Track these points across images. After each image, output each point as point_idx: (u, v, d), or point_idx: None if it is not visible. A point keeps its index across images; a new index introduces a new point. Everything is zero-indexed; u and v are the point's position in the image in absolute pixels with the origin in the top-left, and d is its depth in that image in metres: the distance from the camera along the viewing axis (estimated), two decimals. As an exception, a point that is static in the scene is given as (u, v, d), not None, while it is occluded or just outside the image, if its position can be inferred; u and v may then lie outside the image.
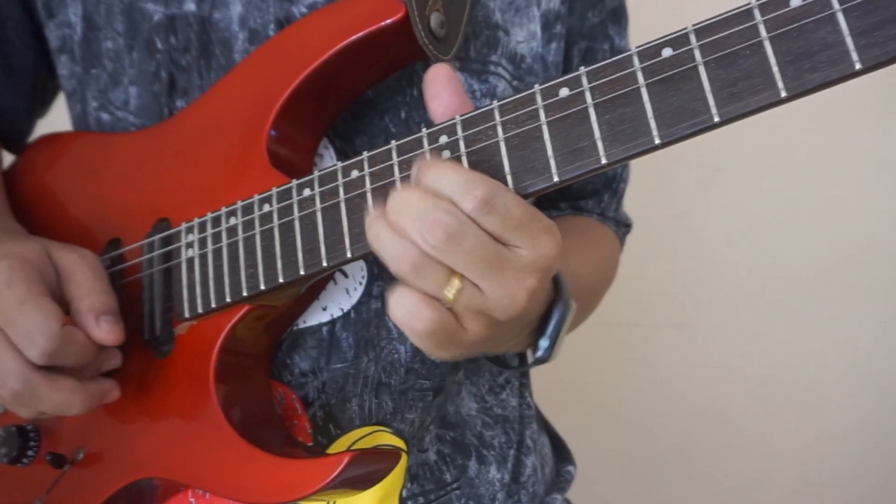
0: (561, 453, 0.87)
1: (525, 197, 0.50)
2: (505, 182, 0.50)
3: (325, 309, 0.67)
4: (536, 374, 0.84)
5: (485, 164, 0.51)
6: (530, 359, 0.63)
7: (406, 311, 0.49)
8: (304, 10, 0.66)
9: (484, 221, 0.48)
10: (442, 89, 0.53)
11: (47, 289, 0.62)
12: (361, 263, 0.67)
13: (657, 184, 1.26)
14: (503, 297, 0.49)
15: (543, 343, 0.61)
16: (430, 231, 0.47)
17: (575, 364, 1.43)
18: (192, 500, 0.67)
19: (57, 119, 0.84)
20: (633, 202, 0.90)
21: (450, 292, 0.49)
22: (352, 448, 0.67)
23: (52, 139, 0.78)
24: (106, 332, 0.62)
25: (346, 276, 0.67)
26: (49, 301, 0.60)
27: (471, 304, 0.50)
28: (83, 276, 0.64)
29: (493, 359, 0.67)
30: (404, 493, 0.70)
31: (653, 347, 1.61)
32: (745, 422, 1.58)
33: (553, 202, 0.85)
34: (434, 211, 0.47)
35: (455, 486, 0.73)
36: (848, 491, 1.57)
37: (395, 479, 0.69)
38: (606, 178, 0.86)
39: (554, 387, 1.03)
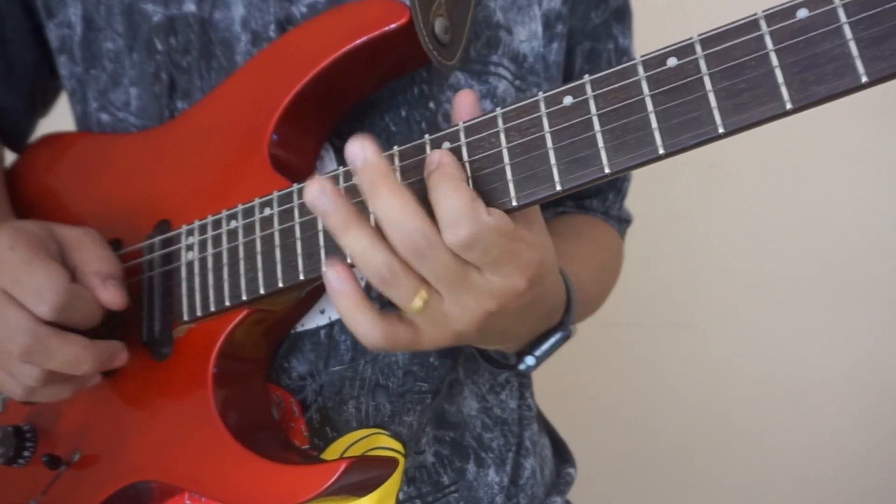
0: (561, 454, 0.87)
1: (527, 206, 0.50)
2: (507, 190, 0.50)
3: (323, 312, 0.67)
4: (537, 374, 0.84)
5: (487, 171, 0.51)
6: (511, 363, 0.65)
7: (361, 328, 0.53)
8: (303, 9, 0.66)
9: (462, 255, 0.49)
10: (465, 116, 0.54)
11: (51, 255, 0.62)
12: None
13: (657, 184, 1.25)
14: (461, 312, 0.52)
15: (529, 360, 0.63)
16: (403, 244, 0.49)
17: (575, 364, 1.43)
18: (188, 503, 0.67)
19: (60, 118, 0.83)
20: (633, 202, 0.90)
21: (415, 307, 0.51)
22: (347, 451, 0.67)
23: (54, 139, 0.78)
24: (111, 293, 0.62)
25: None
26: (54, 262, 0.61)
27: (430, 316, 0.52)
28: (89, 245, 0.65)
29: (486, 357, 0.68)
30: (401, 496, 0.69)
31: (653, 347, 1.60)
32: (745, 422, 1.58)
33: (558, 200, 0.85)
34: (410, 229, 0.49)
35: (453, 488, 0.73)
36: (848, 491, 1.57)
37: (392, 483, 0.68)
38: (612, 178, 0.85)
39: (554, 387, 1.02)
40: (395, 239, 0.49)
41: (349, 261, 0.52)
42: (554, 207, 0.85)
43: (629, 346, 1.58)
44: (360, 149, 0.50)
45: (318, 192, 0.50)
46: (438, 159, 0.50)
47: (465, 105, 0.53)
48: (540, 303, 0.57)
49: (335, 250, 0.56)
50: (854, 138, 1.49)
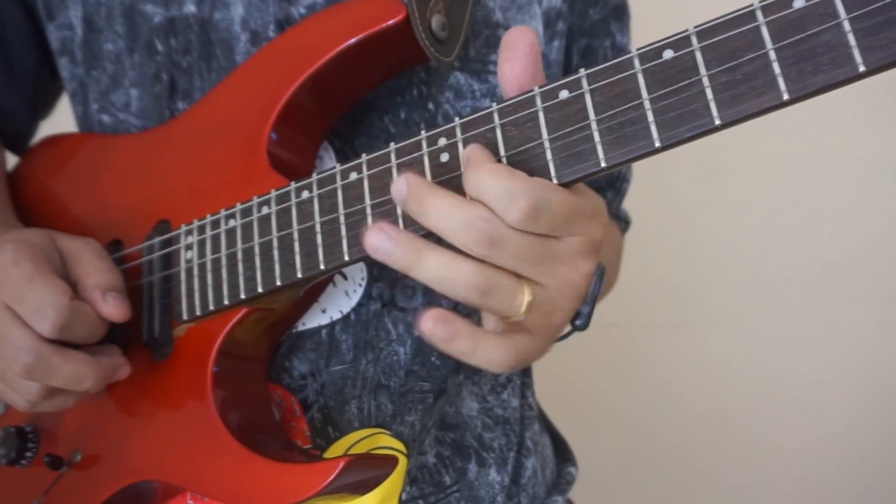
0: (562, 454, 0.87)
1: None
2: None
3: (324, 311, 0.67)
4: (537, 374, 0.84)
5: None
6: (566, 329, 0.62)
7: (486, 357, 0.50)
8: (302, 10, 0.66)
9: (531, 228, 0.47)
10: (518, 57, 0.50)
11: (53, 269, 0.62)
12: (361, 265, 0.67)
13: (657, 184, 1.25)
14: (565, 289, 0.49)
15: (584, 309, 0.58)
16: (473, 243, 0.47)
17: (575, 364, 1.43)
18: (190, 502, 0.67)
19: (61, 119, 0.83)
20: (633, 202, 0.90)
21: (521, 307, 0.48)
22: (349, 451, 0.67)
23: (55, 141, 0.78)
24: (112, 306, 0.62)
25: (345, 278, 0.67)
26: (57, 277, 0.61)
27: (540, 308, 0.49)
28: (88, 257, 0.65)
29: None
30: (404, 496, 0.69)
31: (653, 347, 1.60)
32: (745, 421, 1.58)
33: None
34: (471, 224, 0.46)
35: (454, 488, 0.73)
36: (848, 491, 1.57)
37: (395, 482, 0.68)
38: (611, 177, 0.85)
39: (555, 387, 1.02)
40: (464, 240, 0.47)
41: (437, 290, 0.49)
42: None
43: (629, 346, 1.58)
44: (398, 181, 0.49)
45: (377, 233, 0.48)
46: (466, 155, 0.49)
47: (522, 45, 0.50)
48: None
49: (334, 248, 0.56)
50: (854, 138, 1.49)
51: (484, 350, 0.49)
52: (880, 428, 1.55)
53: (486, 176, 0.47)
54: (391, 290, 0.68)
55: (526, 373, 0.82)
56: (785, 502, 1.59)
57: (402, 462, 0.67)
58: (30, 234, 0.65)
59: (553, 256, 0.48)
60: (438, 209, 0.47)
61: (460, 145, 0.52)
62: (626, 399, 1.60)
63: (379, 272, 0.67)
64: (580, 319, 0.59)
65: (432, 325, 0.48)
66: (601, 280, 0.58)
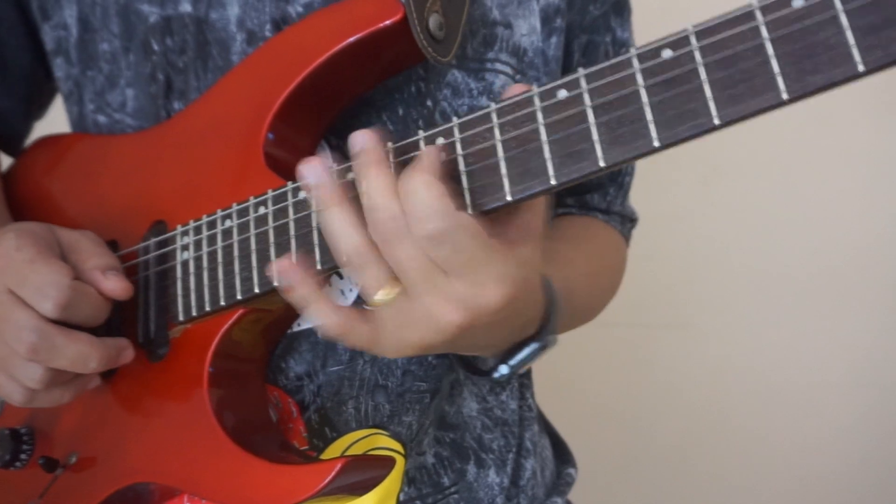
0: (562, 455, 0.87)
1: (521, 200, 0.49)
2: (501, 185, 0.49)
3: None
4: (536, 374, 0.84)
5: (482, 165, 0.50)
6: (485, 368, 0.63)
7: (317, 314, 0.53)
8: (300, 9, 0.66)
9: (429, 250, 0.49)
10: None
11: (55, 254, 0.62)
12: None
13: (657, 184, 1.25)
14: (425, 318, 0.50)
15: (503, 369, 0.61)
16: (375, 228, 0.49)
17: (575, 364, 1.43)
18: (187, 504, 0.67)
19: (56, 120, 0.83)
20: (633, 202, 0.90)
21: (377, 296, 0.51)
22: (347, 451, 0.66)
23: (50, 141, 0.78)
24: (114, 283, 0.63)
25: (340, 277, 0.66)
26: (58, 259, 0.61)
27: (394, 314, 0.51)
28: (86, 244, 0.65)
29: (461, 362, 0.66)
30: (402, 497, 0.69)
31: (653, 347, 1.60)
32: (745, 422, 1.58)
33: (559, 199, 0.84)
34: (386, 214, 0.49)
35: (453, 490, 0.72)
36: (848, 491, 1.57)
37: (393, 483, 0.68)
38: (612, 173, 0.85)
39: (554, 387, 1.02)
40: (371, 220, 0.50)
41: (328, 240, 0.52)
42: (555, 206, 0.84)
43: (629, 346, 1.58)
44: (361, 136, 0.51)
45: (310, 166, 0.52)
46: (420, 154, 0.51)
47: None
48: (515, 317, 0.55)
49: (330, 249, 0.55)
50: (853, 138, 1.48)
51: (318, 308, 0.52)
52: (880, 428, 1.55)
53: (419, 185, 0.48)
54: None
55: (525, 374, 0.82)
56: (785, 502, 1.59)
57: (400, 462, 0.67)
58: (30, 224, 0.65)
59: (432, 284, 0.49)
60: (373, 183, 0.50)
61: (458, 145, 0.51)
62: (625, 399, 1.60)
63: None
64: (496, 374, 0.61)
65: (275, 274, 0.54)
66: (537, 354, 0.60)
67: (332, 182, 0.52)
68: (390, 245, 0.49)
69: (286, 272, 0.53)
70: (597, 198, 0.85)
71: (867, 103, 1.39)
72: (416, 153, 0.52)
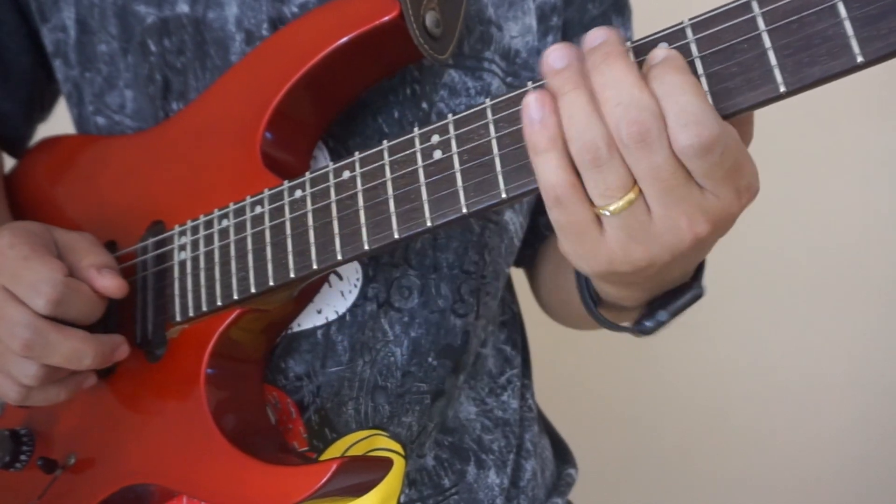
0: (562, 456, 0.86)
1: (517, 198, 0.49)
2: (496, 181, 0.49)
3: (319, 312, 0.66)
4: (536, 374, 0.83)
5: (477, 161, 0.50)
6: (632, 322, 0.59)
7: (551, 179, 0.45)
8: (294, 9, 0.66)
9: (689, 161, 0.43)
10: None
11: (49, 252, 0.62)
12: (356, 265, 0.67)
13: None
14: (668, 230, 0.45)
15: (662, 316, 0.57)
16: (628, 125, 0.42)
17: (576, 364, 1.42)
18: (186, 506, 0.66)
19: (60, 121, 0.83)
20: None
21: (616, 203, 0.44)
22: (347, 452, 0.66)
23: (52, 143, 0.78)
24: (108, 280, 0.62)
25: (340, 278, 0.66)
26: (52, 257, 0.61)
27: (631, 225, 0.45)
28: (83, 244, 0.65)
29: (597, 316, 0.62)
30: (402, 499, 0.68)
31: (653, 347, 1.59)
32: (745, 422, 1.57)
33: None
34: (641, 110, 0.42)
35: (453, 491, 0.72)
36: (848, 490, 1.56)
37: (394, 484, 0.68)
38: None
39: (554, 387, 1.01)
40: (622, 117, 0.43)
41: (563, 127, 0.45)
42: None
43: (629, 346, 1.57)
44: (601, 31, 0.45)
45: (561, 46, 0.45)
46: (665, 54, 0.44)
47: None
48: (710, 246, 0.51)
49: (326, 247, 0.55)
50: (853, 138, 1.47)
51: (554, 161, 0.45)
52: (881, 427, 1.54)
53: (685, 85, 0.42)
54: (387, 290, 0.67)
55: (526, 374, 0.81)
56: (785, 502, 1.58)
57: (400, 463, 0.66)
58: (26, 223, 0.65)
59: (683, 196, 0.44)
60: (619, 74, 0.43)
61: (453, 141, 0.51)
62: (625, 399, 1.60)
63: (374, 273, 0.67)
64: (650, 323, 0.57)
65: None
66: (694, 301, 0.56)
67: (581, 67, 0.45)
68: (643, 148, 0.42)
69: (540, 101, 0.45)
70: None
71: (867, 102, 1.38)
72: (414, 150, 0.52)
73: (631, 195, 0.44)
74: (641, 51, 0.46)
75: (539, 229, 0.80)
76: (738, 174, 0.44)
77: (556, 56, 0.45)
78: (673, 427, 1.60)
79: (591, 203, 0.45)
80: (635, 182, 0.44)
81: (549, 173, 0.45)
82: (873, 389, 1.52)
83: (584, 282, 0.61)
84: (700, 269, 0.57)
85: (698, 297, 0.57)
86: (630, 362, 1.59)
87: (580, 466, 0.85)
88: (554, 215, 0.47)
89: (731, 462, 1.59)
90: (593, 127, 0.43)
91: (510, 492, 0.75)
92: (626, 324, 0.61)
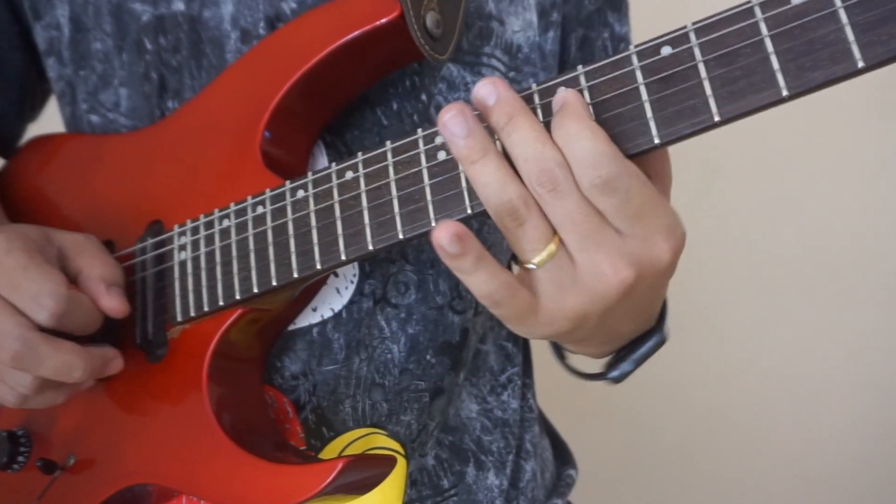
0: (562, 456, 0.86)
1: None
2: None
3: (315, 309, 0.66)
4: (537, 374, 0.83)
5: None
6: (598, 371, 0.61)
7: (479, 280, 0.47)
8: (293, 5, 0.66)
9: (597, 201, 0.45)
10: None
11: (47, 260, 0.61)
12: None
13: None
14: (593, 278, 0.46)
15: (626, 367, 0.59)
16: (538, 177, 0.45)
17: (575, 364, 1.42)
18: (186, 506, 0.66)
19: (49, 121, 0.83)
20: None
21: (540, 255, 0.47)
22: (345, 451, 0.66)
23: (44, 141, 0.77)
24: (115, 301, 0.62)
25: (336, 275, 0.66)
26: (51, 267, 0.60)
27: (558, 277, 0.47)
28: (92, 249, 0.64)
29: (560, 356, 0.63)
30: (403, 498, 0.69)
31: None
32: (746, 422, 1.58)
33: None
34: (547, 161, 0.45)
35: (452, 492, 0.72)
36: (848, 490, 1.57)
37: (397, 484, 0.67)
38: None
39: (555, 387, 1.02)
40: (531, 171, 0.45)
41: (479, 193, 0.48)
42: None
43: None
44: (492, 86, 0.47)
45: (457, 112, 0.47)
46: (563, 99, 0.47)
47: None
48: (662, 289, 0.53)
49: (330, 247, 0.55)
50: (853, 138, 1.48)
51: (483, 276, 0.47)
52: (881, 427, 1.55)
53: (583, 131, 0.45)
54: (383, 286, 0.67)
55: (527, 373, 0.81)
56: (785, 501, 1.59)
57: (402, 463, 0.66)
58: (22, 227, 0.64)
59: (599, 238, 0.46)
60: (523, 133, 0.46)
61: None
62: (625, 399, 1.60)
63: (371, 268, 0.67)
64: (615, 373, 0.59)
65: (447, 239, 0.46)
66: (656, 348, 0.58)
67: (482, 129, 0.47)
68: (556, 195, 0.45)
69: (456, 236, 0.46)
70: None
71: (867, 103, 1.39)
72: (417, 151, 0.52)
73: (552, 246, 0.47)
74: (645, 54, 0.46)
75: None
76: (652, 214, 0.46)
77: (456, 123, 0.47)
78: (673, 427, 1.61)
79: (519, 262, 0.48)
80: (551, 235, 0.46)
81: (483, 286, 0.47)
82: (873, 389, 1.54)
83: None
84: (662, 315, 0.59)
85: (661, 343, 0.59)
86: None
87: (580, 467, 0.86)
88: (497, 312, 0.49)
89: (731, 462, 1.59)
90: (508, 188, 0.46)
91: (510, 493, 0.75)
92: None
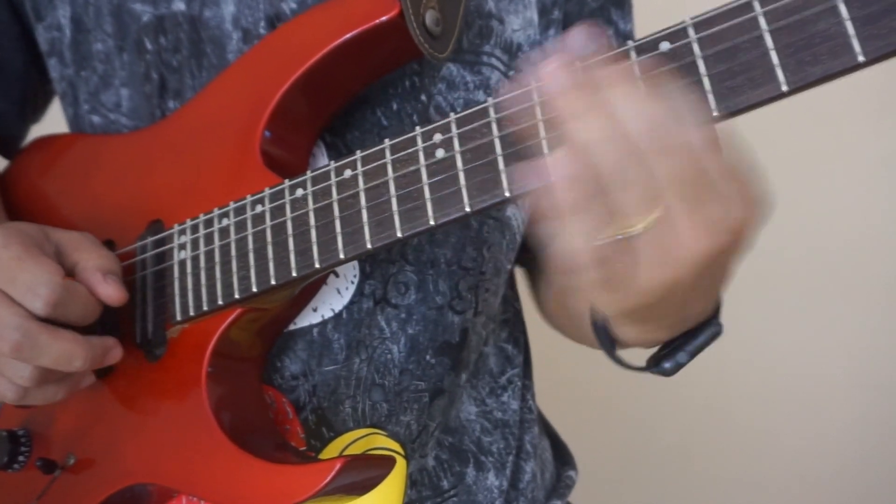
0: (562, 457, 0.86)
1: (521, 196, 0.49)
2: (499, 180, 0.49)
3: (315, 310, 0.66)
4: (536, 375, 0.83)
5: (480, 161, 0.50)
6: (651, 365, 0.59)
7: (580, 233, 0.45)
8: (293, 5, 0.66)
9: (705, 158, 0.43)
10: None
11: (44, 253, 0.61)
12: (353, 262, 0.66)
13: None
14: (693, 240, 0.44)
15: (682, 357, 0.56)
16: (648, 137, 0.43)
17: (575, 364, 1.42)
18: (186, 506, 0.66)
19: (52, 123, 0.83)
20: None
21: (646, 218, 0.44)
22: (345, 451, 0.66)
23: (46, 141, 0.77)
24: (112, 288, 0.62)
25: (336, 275, 0.66)
26: (47, 258, 0.60)
27: (659, 241, 0.44)
28: (88, 244, 0.64)
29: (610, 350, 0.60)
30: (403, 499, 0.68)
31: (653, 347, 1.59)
32: (745, 421, 1.57)
33: None
34: (656, 120, 0.43)
35: (452, 493, 0.72)
36: (848, 489, 1.57)
37: (397, 485, 0.67)
38: None
39: (554, 387, 1.01)
40: (638, 127, 0.42)
41: (579, 155, 0.44)
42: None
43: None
44: (583, 34, 0.45)
45: (562, 64, 0.44)
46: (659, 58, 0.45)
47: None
48: (736, 263, 0.50)
49: (328, 246, 0.55)
50: (853, 138, 1.48)
51: (581, 228, 0.44)
52: (881, 426, 1.55)
53: (682, 89, 0.43)
54: (384, 287, 0.67)
55: (527, 375, 0.81)
56: (785, 501, 1.59)
57: (402, 463, 0.66)
58: (20, 224, 0.64)
59: (704, 199, 0.43)
60: (627, 89, 0.43)
61: (455, 140, 0.51)
62: (625, 399, 1.60)
63: (371, 269, 0.67)
64: (669, 364, 0.56)
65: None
66: (712, 339, 0.56)
67: (590, 81, 0.44)
68: (664, 153, 0.42)
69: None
70: None
71: (867, 103, 1.39)
72: (416, 148, 0.52)
73: (657, 210, 0.44)
74: (644, 49, 0.46)
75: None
76: (748, 180, 0.45)
77: (562, 74, 0.44)
78: (673, 427, 1.61)
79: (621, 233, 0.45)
80: (658, 196, 0.44)
81: (580, 243, 0.45)
82: (874, 388, 1.53)
83: (601, 327, 0.59)
84: (717, 308, 0.58)
85: (717, 334, 0.57)
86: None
87: (580, 467, 0.85)
88: (592, 275, 0.46)
89: (732, 462, 1.59)
90: (615, 145, 0.43)
91: (509, 494, 0.75)
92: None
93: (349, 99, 0.65)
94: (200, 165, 0.65)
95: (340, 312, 0.66)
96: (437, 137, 0.52)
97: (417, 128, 0.53)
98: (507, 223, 0.73)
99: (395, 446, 0.67)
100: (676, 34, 0.45)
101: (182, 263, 0.63)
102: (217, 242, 0.61)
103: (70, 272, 0.63)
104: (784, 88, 0.42)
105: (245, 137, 0.62)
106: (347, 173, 0.55)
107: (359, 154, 0.55)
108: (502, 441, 0.75)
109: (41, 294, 0.58)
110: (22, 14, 0.76)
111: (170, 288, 0.64)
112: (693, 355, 0.56)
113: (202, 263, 0.62)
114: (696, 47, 0.45)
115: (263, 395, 0.65)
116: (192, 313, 0.62)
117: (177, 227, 0.64)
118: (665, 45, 0.45)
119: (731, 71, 0.44)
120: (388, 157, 0.54)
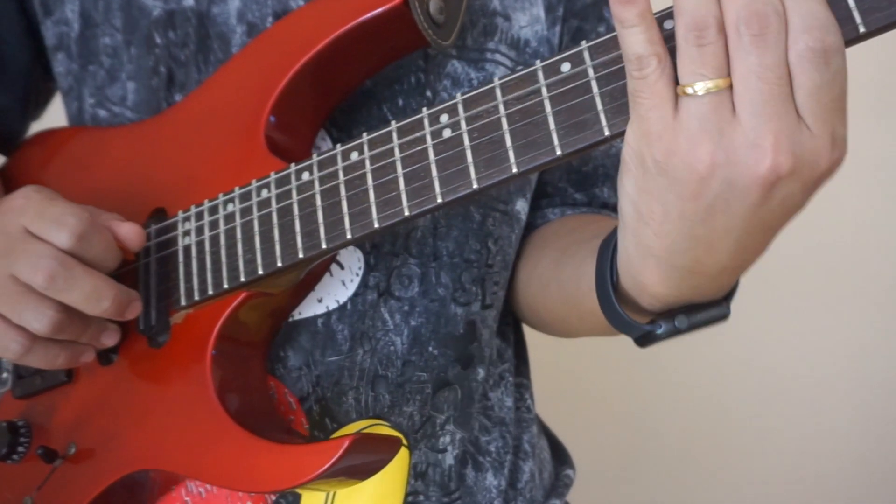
0: (560, 457, 0.86)
1: (528, 172, 0.50)
2: (506, 156, 0.50)
3: (320, 300, 0.66)
4: (535, 374, 0.83)
5: (487, 139, 0.51)
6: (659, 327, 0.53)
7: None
8: (300, 2, 0.67)
9: (803, 70, 0.40)
10: None
11: None
12: (358, 254, 0.67)
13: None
14: (748, 144, 0.40)
15: (681, 322, 0.52)
16: (748, 17, 0.40)
17: (574, 363, 1.42)
18: (186, 499, 0.66)
19: (52, 121, 0.83)
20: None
21: (706, 84, 0.41)
22: None
23: (48, 135, 0.78)
24: (131, 227, 0.62)
25: (341, 267, 0.67)
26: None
27: (710, 117, 0.41)
28: (98, 210, 0.64)
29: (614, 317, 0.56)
30: (408, 489, 0.68)
31: (653, 346, 1.59)
32: (745, 421, 1.57)
33: (566, 194, 0.80)
34: (766, 4, 0.40)
35: (456, 495, 0.71)
36: (848, 489, 1.56)
37: (398, 475, 0.67)
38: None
39: (553, 387, 1.01)
40: (740, 9, 0.40)
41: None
42: (562, 207, 0.80)
43: (628, 345, 1.57)
44: None
45: None
46: None
47: None
48: (783, 223, 0.48)
49: (335, 227, 0.56)
50: (854, 138, 1.49)
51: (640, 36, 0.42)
52: (881, 426, 1.55)
53: None
54: (388, 279, 0.67)
55: (521, 373, 0.81)
56: (785, 501, 1.58)
57: (404, 452, 0.66)
58: None
59: (779, 112, 0.40)
60: None
61: (462, 122, 0.52)
62: (623, 398, 1.59)
63: (375, 262, 0.67)
64: (666, 322, 0.52)
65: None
66: (716, 319, 0.53)
67: None
68: (758, 43, 0.39)
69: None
70: (607, 191, 0.80)
71: (867, 103, 1.40)
72: (422, 132, 0.53)
73: (721, 82, 0.41)
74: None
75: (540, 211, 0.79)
76: (839, 113, 0.41)
77: None
78: (672, 427, 1.60)
79: (676, 82, 0.42)
80: (730, 75, 0.41)
81: (636, 45, 0.43)
82: (873, 388, 1.53)
83: (608, 270, 0.55)
84: (731, 292, 0.55)
85: (723, 317, 0.54)
86: (629, 361, 1.59)
87: (578, 466, 0.85)
88: (632, 86, 0.44)
89: (731, 461, 1.59)
90: (708, 5, 0.41)
91: (508, 493, 0.74)
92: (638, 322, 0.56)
93: (354, 88, 0.65)
94: (203, 154, 0.66)
95: (345, 304, 0.66)
96: (444, 118, 0.52)
97: (424, 109, 0.53)
98: (516, 217, 0.73)
99: (398, 437, 0.67)
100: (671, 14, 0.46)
101: (187, 249, 0.63)
102: (222, 227, 0.61)
103: None
104: None
105: (250, 123, 0.63)
106: (354, 156, 0.56)
107: (365, 137, 0.56)
108: (500, 440, 0.75)
109: (69, 223, 0.58)
110: (28, 9, 0.77)
111: (174, 274, 0.64)
112: (692, 327, 0.52)
113: (207, 248, 0.62)
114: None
115: (267, 382, 0.65)
116: (197, 298, 0.62)
117: (181, 215, 0.64)
118: (669, 24, 0.46)
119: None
120: (395, 140, 0.54)
